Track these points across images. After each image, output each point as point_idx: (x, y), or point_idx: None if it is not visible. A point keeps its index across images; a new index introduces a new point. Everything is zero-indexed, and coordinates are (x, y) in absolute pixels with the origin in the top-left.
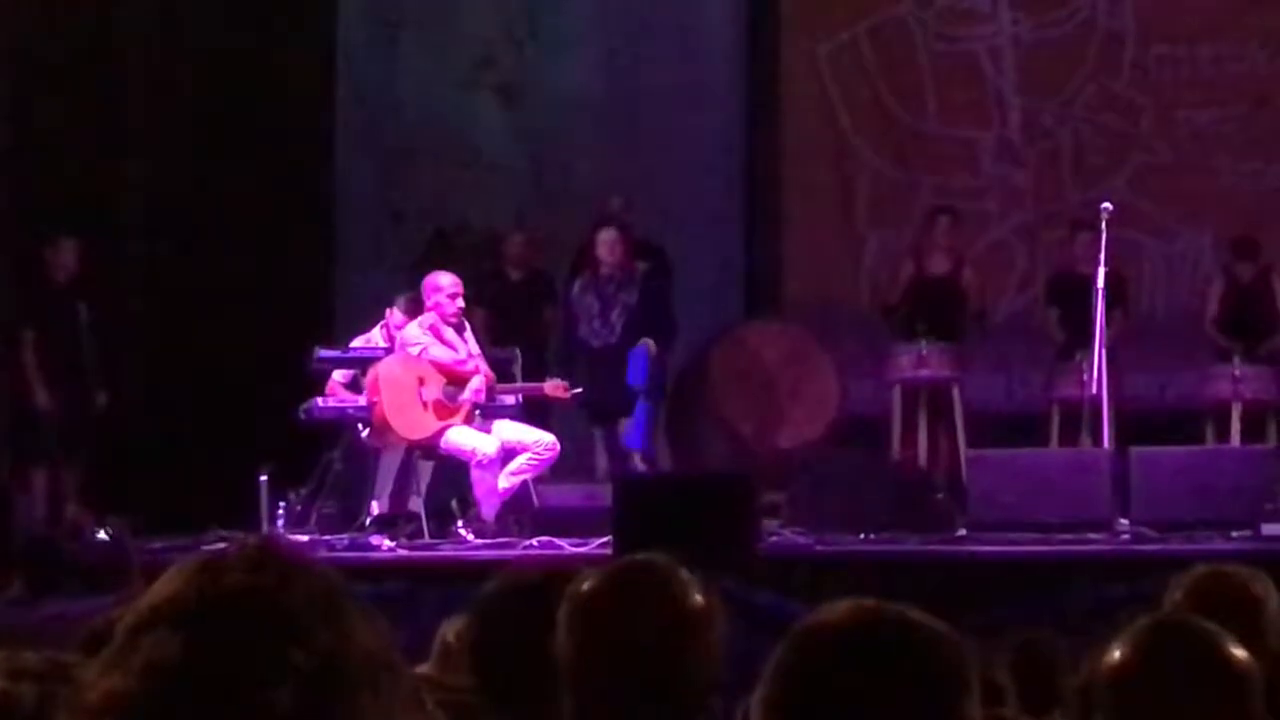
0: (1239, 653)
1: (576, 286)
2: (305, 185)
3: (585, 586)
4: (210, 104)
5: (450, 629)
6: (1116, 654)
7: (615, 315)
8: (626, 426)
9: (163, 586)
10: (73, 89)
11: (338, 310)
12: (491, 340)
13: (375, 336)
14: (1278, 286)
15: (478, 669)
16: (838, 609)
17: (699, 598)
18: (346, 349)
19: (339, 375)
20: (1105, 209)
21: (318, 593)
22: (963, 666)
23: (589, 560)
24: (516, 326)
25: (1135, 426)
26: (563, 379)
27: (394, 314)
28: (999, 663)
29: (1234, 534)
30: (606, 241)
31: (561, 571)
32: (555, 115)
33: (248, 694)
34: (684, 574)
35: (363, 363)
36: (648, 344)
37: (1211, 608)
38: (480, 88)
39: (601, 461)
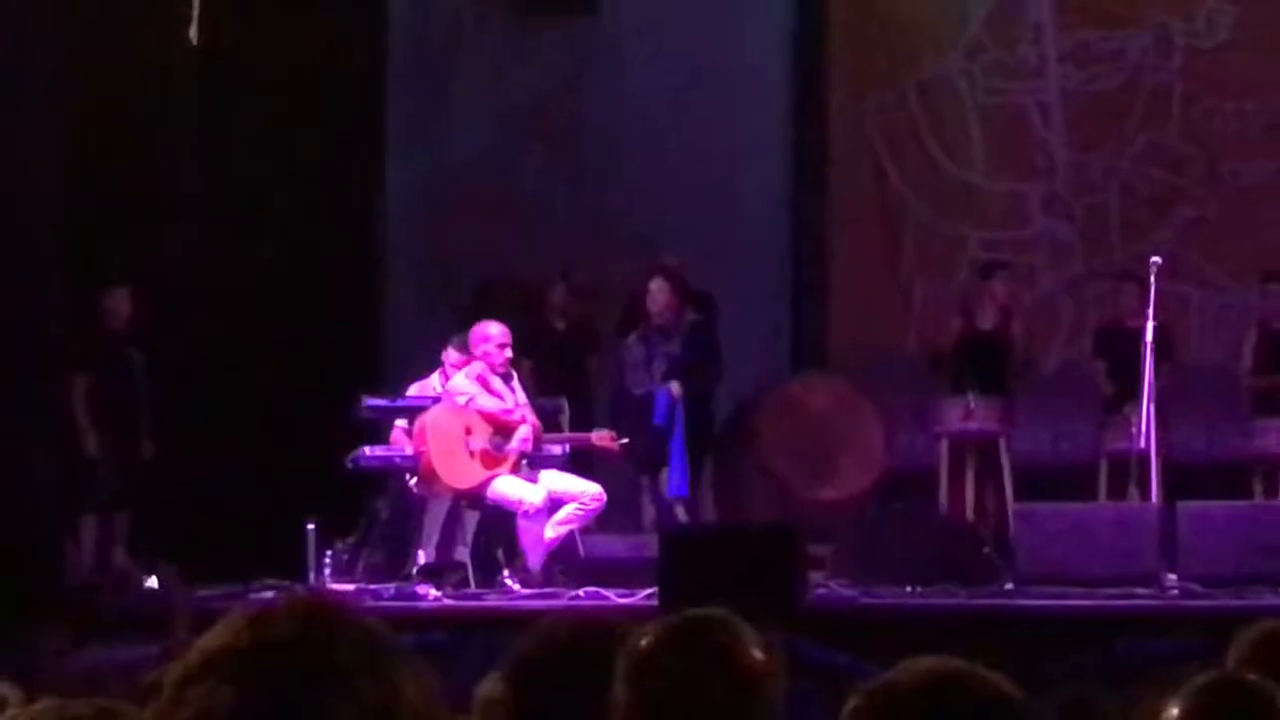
0: None
1: (631, 337)
2: (354, 233)
3: (644, 641)
4: (259, 153)
5: (490, 685)
6: (1174, 711)
7: (657, 364)
8: (669, 475)
9: (212, 638)
10: (122, 140)
11: (386, 358)
12: (536, 390)
13: (433, 382)
14: None
15: None
16: (917, 667)
17: (759, 654)
18: (396, 397)
19: (402, 423)
20: (1155, 263)
21: (365, 645)
22: None
23: (626, 613)
24: (561, 376)
25: (1183, 480)
26: (610, 428)
27: (450, 354)
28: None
29: None
30: (653, 291)
31: (594, 626)
32: (603, 166)
33: None
34: (744, 629)
35: (410, 411)
36: (669, 386)
37: (1275, 664)
38: (529, 137)
39: (648, 512)
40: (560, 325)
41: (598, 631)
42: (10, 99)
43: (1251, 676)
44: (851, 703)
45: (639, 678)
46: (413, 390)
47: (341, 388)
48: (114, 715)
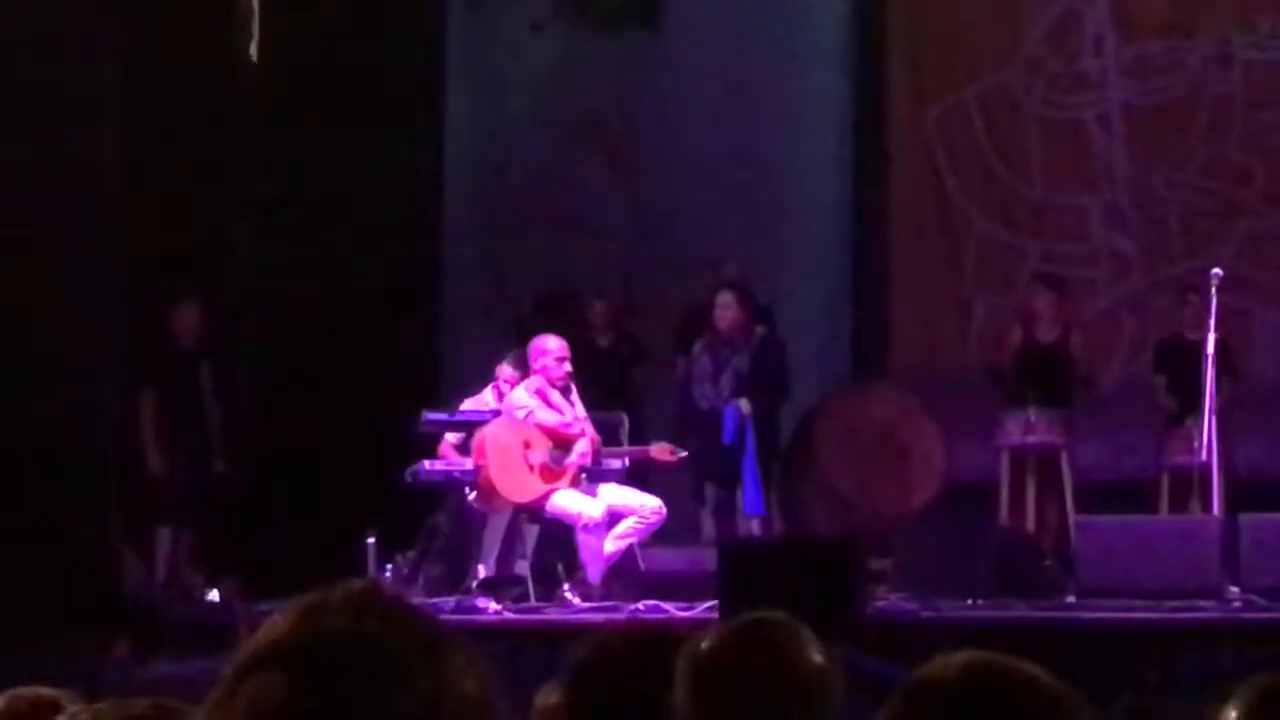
0: None
1: (696, 347)
2: (413, 248)
3: (704, 644)
4: (318, 169)
5: (547, 693)
6: (1232, 713)
7: (725, 379)
8: (743, 494)
9: (267, 630)
10: (182, 155)
11: (445, 373)
12: (585, 406)
13: (486, 397)
14: None
15: None
16: (952, 661)
17: (819, 657)
18: (455, 412)
19: (451, 438)
20: (1216, 275)
21: (421, 636)
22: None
23: (685, 622)
24: (607, 392)
25: (1247, 494)
26: (675, 441)
27: (504, 369)
28: None
29: None
30: (721, 306)
31: (652, 633)
32: (661, 179)
33: None
34: (804, 633)
35: (469, 425)
36: (737, 404)
37: None
38: (587, 152)
39: (707, 525)
40: (604, 342)
41: (655, 638)
42: (76, 117)
43: None
44: (892, 699)
45: (699, 680)
46: (467, 405)
47: (401, 402)
48: (172, 714)
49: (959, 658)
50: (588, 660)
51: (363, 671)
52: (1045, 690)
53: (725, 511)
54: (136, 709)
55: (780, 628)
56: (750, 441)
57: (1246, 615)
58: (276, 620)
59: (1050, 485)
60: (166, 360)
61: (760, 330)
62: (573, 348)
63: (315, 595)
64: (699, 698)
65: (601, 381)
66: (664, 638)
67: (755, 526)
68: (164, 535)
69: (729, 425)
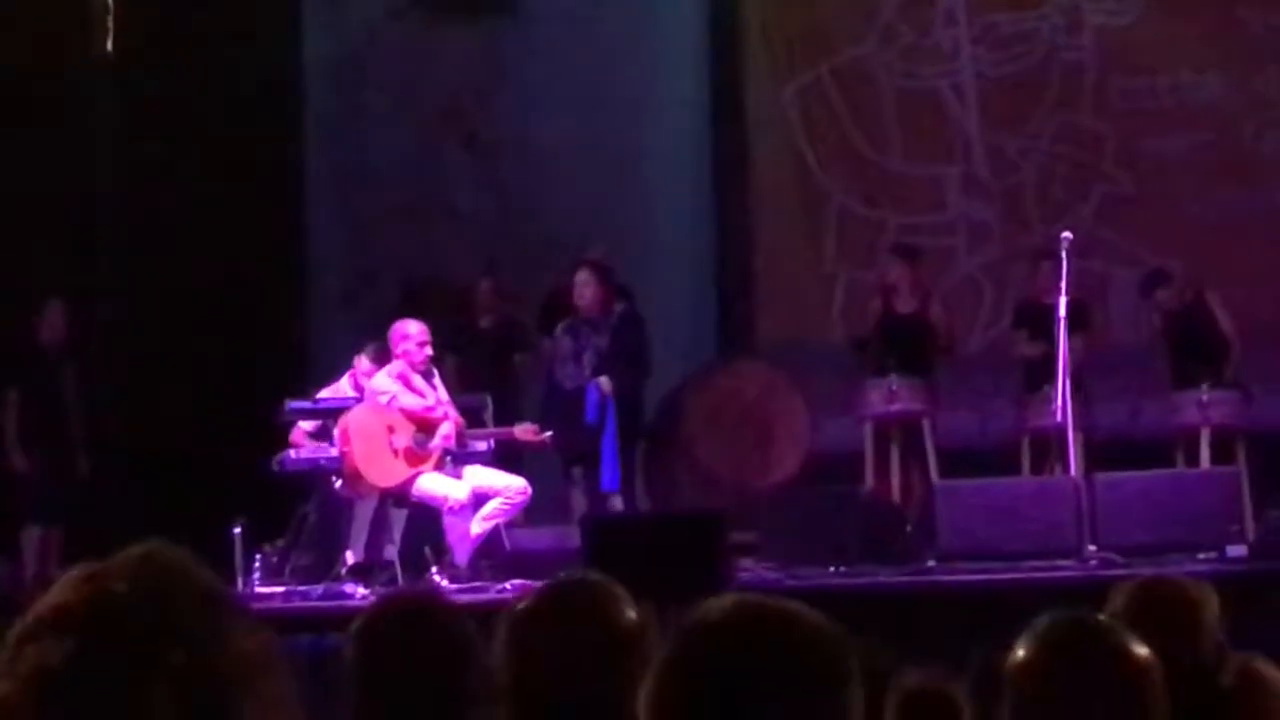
0: (1138, 648)
1: (558, 329)
2: (276, 241)
3: (520, 606)
4: (180, 164)
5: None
6: (1020, 652)
7: (586, 357)
8: (602, 470)
9: (50, 597)
10: (44, 153)
11: (311, 365)
12: (464, 387)
13: (344, 386)
14: (1215, 304)
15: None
16: (722, 604)
17: (631, 614)
18: (315, 401)
19: (305, 425)
20: (1065, 238)
21: (196, 596)
22: (843, 658)
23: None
24: (488, 373)
25: (1107, 455)
26: (538, 422)
27: (361, 361)
28: (959, 683)
29: (1200, 556)
30: (580, 285)
31: (417, 603)
32: (523, 165)
33: (124, 693)
34: (617, 591)
35: (332, 413)
36: (598, 382)
37: (1149, 612)
38: (447, 140)
39: (578, 504)
40: (486, 323)
41: (421, 606)
42: None
43: (1092, 615)
44: (666, 642)
45: (516, 640)
46: (324, 394)
47: (267, 393)
48: None
49: (727, 599)
50: (362, 632)
51: (138, 631)
52: (808, 626)
53: (595, 491)
54: None
55: (594, 587)
56: (611, 419)
57: (1104, 573)
58: (59, 586)
59: (914, 453)
60: (30, 360)
61: (620, 307)
62: (455, 329)
63: (98, 562)
64: (515, 658)
65: (483, 364)
66: (430, 605)
67: (615, 503)
68: (32, 533)
69: (591, 403)
